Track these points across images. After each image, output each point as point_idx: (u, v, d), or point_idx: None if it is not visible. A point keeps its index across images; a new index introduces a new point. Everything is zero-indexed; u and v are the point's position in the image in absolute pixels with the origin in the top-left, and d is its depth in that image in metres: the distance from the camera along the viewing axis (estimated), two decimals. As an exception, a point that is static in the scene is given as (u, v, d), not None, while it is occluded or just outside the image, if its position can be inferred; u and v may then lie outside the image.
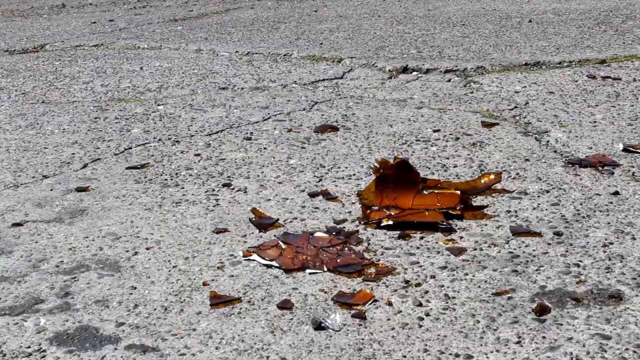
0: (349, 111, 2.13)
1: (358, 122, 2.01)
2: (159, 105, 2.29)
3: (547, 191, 1.48)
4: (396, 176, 1.40)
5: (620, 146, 1.71)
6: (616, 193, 1.45)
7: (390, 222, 1.34)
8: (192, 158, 1.79)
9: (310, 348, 0.99)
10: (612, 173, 1.56)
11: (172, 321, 1.07)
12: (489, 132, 1.88)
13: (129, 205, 1.51)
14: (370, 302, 1.09)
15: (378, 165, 1.44)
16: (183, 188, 1.59)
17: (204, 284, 1.18)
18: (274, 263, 1.23)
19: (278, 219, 1.40)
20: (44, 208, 1.51)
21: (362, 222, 1.37)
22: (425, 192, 1.40)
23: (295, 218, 1.41)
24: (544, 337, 0.99)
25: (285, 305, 1.10)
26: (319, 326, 1.03)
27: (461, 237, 1.29)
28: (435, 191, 1.41)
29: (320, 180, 1.60)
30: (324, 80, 2.55)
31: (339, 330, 1.02)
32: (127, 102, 2.35)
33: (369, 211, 1.39)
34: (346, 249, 1.27)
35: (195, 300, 1.13)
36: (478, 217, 1.36)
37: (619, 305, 1.06)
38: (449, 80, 2.47)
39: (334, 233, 1.32)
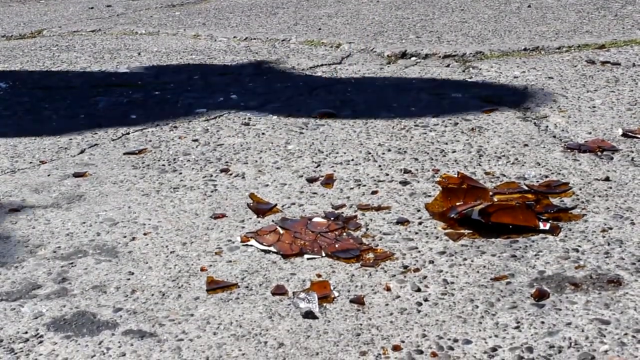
0: (347, 96, 2.12)
1: (356, 108, 2.00)
2: (156, 91, 2.28)
3: (546, 176, 1.48)
4: (463, 187, 1.34)
5: (620, 131, 1.70)
6: (614, 178, 1.45)
7: (479, 218, 1.24)
8: (189, 143, 1.78)
9: (308, 333, 0.98)
10: (612, 158, 1.56)
11: (170, 307, 1.07)
12: (487, 118, 1.87)
13: (126, 191, 1.50)
14: (323, 297, 1.06)
15: (444, 179, 1.39)
16: (181, 174, 1.59)
17: (202, 270, 1.17)
18: (272, 248, 1.22)
19: (276, 204, 1.40)
20: (41, 194, 1.51)
21: (439, 219, 1.29)
22: (495, 199, 1.33)
23: (294, 203, 1.41)
24: (542, 322, 0.99)
25: (281, 291, 1.09)
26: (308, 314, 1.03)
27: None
28: (507, 193, 1.35)
29: (319, 165, 1.59)
30: (322, 65, 2.53)
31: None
32: (125, 88, 2.34)
33: (449, 206, 1.30)
34: (344, 234, 1.26)
35: (192, 286, 1.13)
36: (573, 219, 1.29)
37: (618, 290, 1.06)
38: (448, 66, 2.45)
39: (332, 218, 1.32)
